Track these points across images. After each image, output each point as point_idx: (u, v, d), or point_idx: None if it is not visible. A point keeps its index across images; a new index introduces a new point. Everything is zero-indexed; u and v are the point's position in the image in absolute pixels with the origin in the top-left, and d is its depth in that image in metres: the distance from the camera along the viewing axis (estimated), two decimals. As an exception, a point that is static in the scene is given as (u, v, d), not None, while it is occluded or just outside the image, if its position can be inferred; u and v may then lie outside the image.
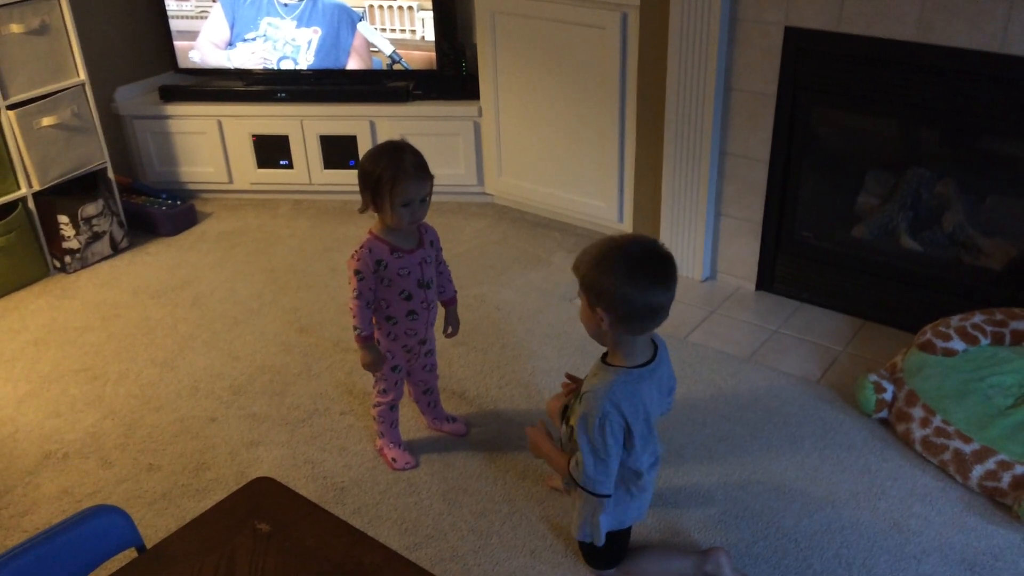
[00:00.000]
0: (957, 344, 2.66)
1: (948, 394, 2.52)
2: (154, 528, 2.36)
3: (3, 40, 3.31)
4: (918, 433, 2.51)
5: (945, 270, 3.03)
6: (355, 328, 2.32)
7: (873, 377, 2.65)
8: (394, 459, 2.55)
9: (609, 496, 1.97)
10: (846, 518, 2.34)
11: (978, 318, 2.72)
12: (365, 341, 2.34)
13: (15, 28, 3.33)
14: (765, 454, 2.56)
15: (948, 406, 2.49)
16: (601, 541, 2.06)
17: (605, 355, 1.97)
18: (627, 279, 1.79)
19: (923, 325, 2.77)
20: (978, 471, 2.37)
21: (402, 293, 2.31)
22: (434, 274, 2.38)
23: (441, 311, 2.50)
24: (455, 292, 2.50)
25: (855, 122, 3.14)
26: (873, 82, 2.83)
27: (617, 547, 2.13)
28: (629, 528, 2.13)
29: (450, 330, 2.52)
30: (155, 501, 2.47)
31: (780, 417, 2.71)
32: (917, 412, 2.53)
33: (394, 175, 2.16)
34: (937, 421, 2.48)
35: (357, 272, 2.27)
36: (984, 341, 2.68)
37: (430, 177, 2.23)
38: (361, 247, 2.28)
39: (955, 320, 2.72)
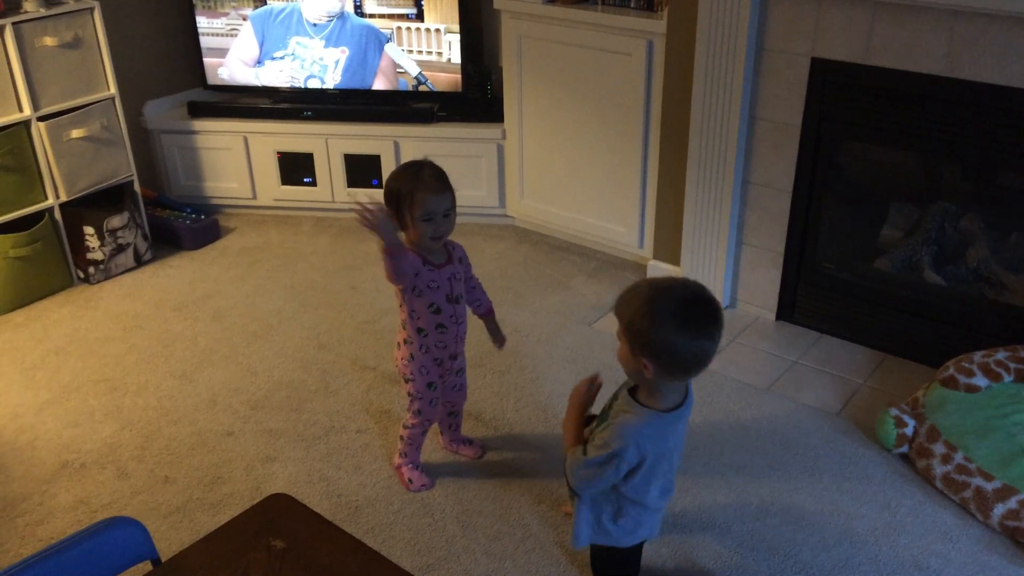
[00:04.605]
0: (980, 380, 2.63)
1: (970, 431, 2.49)
2: (168, 541, 2.36)
3: (36, 53, 3.37)
4: (939, 469, 2.48)
5: (968, 305, 3.00)
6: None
7: (894, 411, 2.62)
8: (411, 480, 2.54)
9: (579, 497, 1.95)
10: (865, 554, 2.31)
11: (1002, 355, 2.69)
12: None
13: (48, 41, 3.38)
14: (783, 486, 2.54)
15: (970, 443, 2.46)
16: (612, 540, 2.01)
17: (633, 388, 1.90)
18: (676, 331, 1.74)
19: (945, 360, 2.75)
20: (999, 509, 2.34)
21: (431, 306, 2.31)
22: (463, 290, 2.38)
23: (479, 324, 2.51)
24: (491, 304, 2.50)
25: (880, 154, 3.13)
26: (899, 115, 2.82)
27: (629, 565, 2.10)
28: (640, 546, 2.10)
29: (497, 342, 2.53)
30: (170, 514, 2.48)
31: (799, 449, 2.68)
32: (938, 448, 2.50)
33: (412, 188, 2.19)
34: (959, 458, 2.45)
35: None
36: (1008, 378, 2.65)
37: (450, 190, 2.24)
38: None
39: (978, 356, 2.70)
